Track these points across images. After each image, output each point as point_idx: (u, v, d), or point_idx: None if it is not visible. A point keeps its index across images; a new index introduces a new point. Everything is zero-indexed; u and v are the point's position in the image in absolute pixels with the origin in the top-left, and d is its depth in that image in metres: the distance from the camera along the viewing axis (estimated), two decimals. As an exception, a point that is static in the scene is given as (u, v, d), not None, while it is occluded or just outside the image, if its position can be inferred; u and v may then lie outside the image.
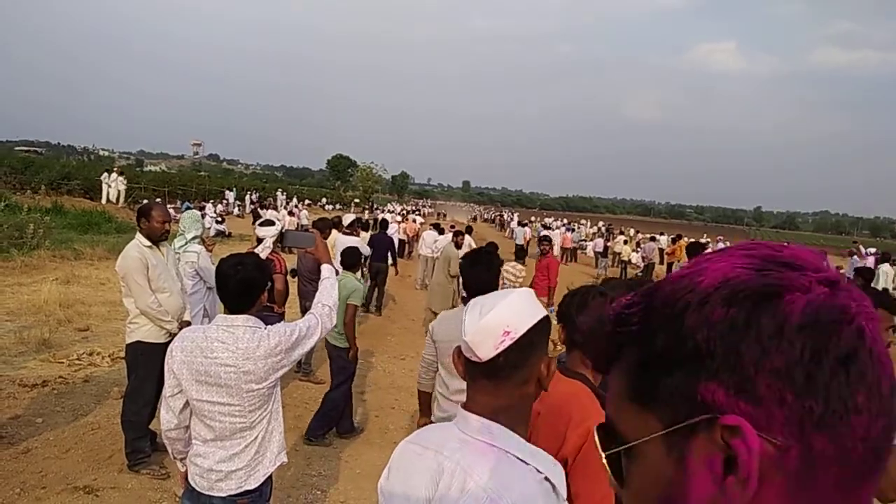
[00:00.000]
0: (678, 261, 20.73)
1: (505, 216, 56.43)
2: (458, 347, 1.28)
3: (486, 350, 1.18)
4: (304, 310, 6.92)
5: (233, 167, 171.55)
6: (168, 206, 24.93)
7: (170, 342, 4.33)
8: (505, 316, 1.18)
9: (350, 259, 5.66)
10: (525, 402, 1.24)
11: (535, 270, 9.84)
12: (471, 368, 1.24)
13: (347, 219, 10.12)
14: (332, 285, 2.75)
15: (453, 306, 9.57)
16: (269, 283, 3.19)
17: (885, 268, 13.35)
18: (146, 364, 4.24)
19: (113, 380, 6.07)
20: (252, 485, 2.46)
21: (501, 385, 1.20)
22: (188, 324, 4.46)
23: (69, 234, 17.28)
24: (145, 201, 25.79)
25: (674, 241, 22.08)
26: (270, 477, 2.57)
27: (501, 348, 1.17)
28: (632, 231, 37.62)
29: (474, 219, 62.43)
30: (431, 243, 14.25)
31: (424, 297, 10.62)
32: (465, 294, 9.21)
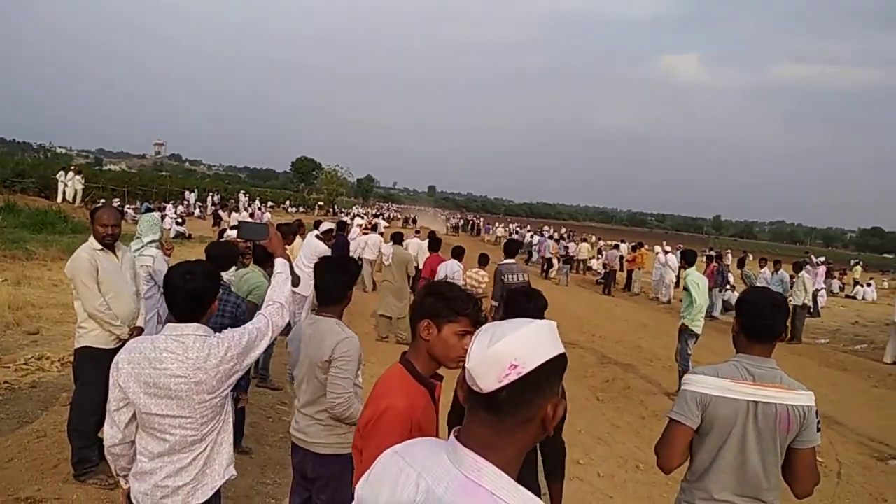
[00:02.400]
0: (639, 268, 21.06)
1: (481, 222, 55.38)
2: (464, 373, 1.20)
3: (488, 382, 1.10)
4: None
5: (195, 168, 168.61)
6: (127, 206, 24.52)
7: (119, 348, 4.23)
8: (515, 348, 1.09)
9: (262, 252, 5.21)
10: (523, 443, 1.15)
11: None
12: (471, 398, 1.15)
13: (325, 225, 10.02)
14: (284, 280, 2.68)
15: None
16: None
17: (804, 276, 13.74)
18: (94, 370, 4.09)
19: (62, 385, 5.89)
20: (199, 499, 2.38)
21: (502, 421, 1.12)
22: (141, 330, 4.36)
23: (22, 233, 16.79)
24: (102, 201, 25.28)
25: (634, 248, 22.38)
26: (218, 492, 2.48)
27: (505, 382, 1.09)
28: (593, 238, 38.05)
29: (455, 228, 53.06)
30: (374, 247, 14.55)
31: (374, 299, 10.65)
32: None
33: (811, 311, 14.49)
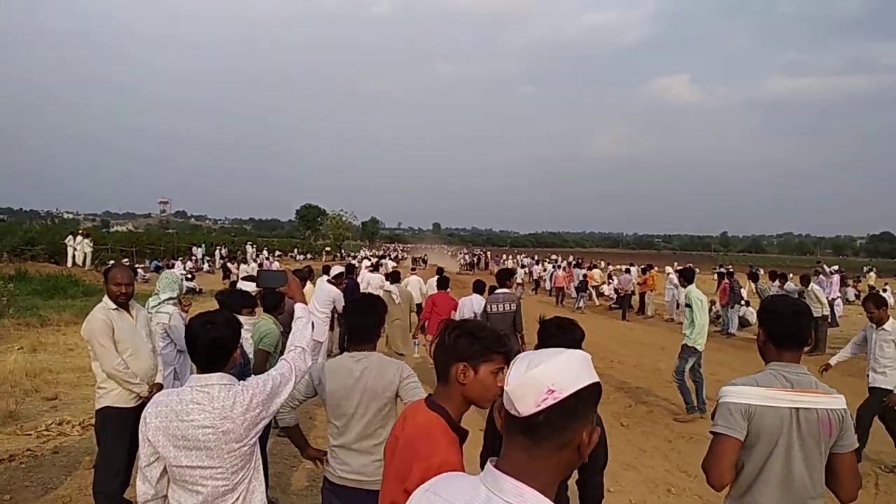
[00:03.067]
0: (651, 290, 20.96)
1: (488, 256, 54.89)
2: (502, 399, 1.24)
3: (525, 405, 1.14)
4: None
5: (201, 223, 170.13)
6: (137, 266, 24.65)
7: (140, 406, 4.21)
8: (552, 373, 1.14)
9: (271, 299, 5.27)
10: (559, 469, 1.18)
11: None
12: (509, 422, 1.20)
13: (335, 270, 10.08)
14: (304, 325, 2.69)
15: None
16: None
17: (815, 287, 13.70)
18: (116, 431, 4.10)
19: (84, 449, 5.88)
20: None
21: (538, 445, 1.16)
22: (160, 387, 4.36)
23: (34, 300, 16.96)
24: (112, 262, 25.48)
25: (644, 271, 22.29)
26: None
27: (543, 406, 1.13)
28: (602, 263, 38.00)
29: (469, 266, 48.63)
30: (376, 286, 14.43)
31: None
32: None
33: (829, 320, 14.37)
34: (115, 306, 4.16)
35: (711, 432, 2.43)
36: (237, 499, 2.37)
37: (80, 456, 5.71)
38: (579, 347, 2.71)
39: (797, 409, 2.35)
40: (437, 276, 11.18)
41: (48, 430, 6.48)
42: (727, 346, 14.57)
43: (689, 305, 8.36)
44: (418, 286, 13.45)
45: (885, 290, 26.14)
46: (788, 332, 2.46)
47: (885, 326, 6.27)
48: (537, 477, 1.14)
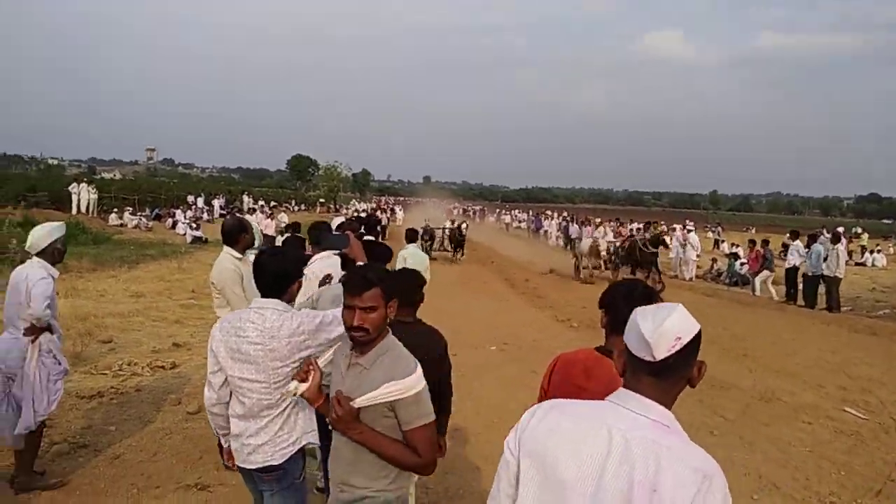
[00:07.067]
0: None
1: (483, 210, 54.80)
2: (621, 349, 1.59)
3: (661, 352, 1.46)
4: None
5: (189, 171, 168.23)
6: (138, 213, 24.65)
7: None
8: (678, 325, 1.47)
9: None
10: (675, 397, 1.53)
11: None
12: (638, 366, 1.51)
13: (336, 221, 10.14)
14: None
15: None
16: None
17: (840, 248, 13.64)
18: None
19: (163, 388, 6.25)
20: (277, 461, 2.67)
21: (663, 381, 1.49)
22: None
23: (48, 246, 17.07)
24: (115, 210, 25.16)
25: (647, 227, 22.65)
26: (302, 459, 2.79)
27: (672, 351, 1.46)
28: (598, 220, 38.21)
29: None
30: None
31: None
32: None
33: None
34: (239, 256, 4.42)
35: None
36: (279, 414, 2.68)
37: (162, 394, 6.07)
38: (422, 289, 3.21)
39: None
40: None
41: (122, 371, 6.81)
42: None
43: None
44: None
45: (879, 251, 26.87)
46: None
47: None
48: (666, 405, 1.50)
